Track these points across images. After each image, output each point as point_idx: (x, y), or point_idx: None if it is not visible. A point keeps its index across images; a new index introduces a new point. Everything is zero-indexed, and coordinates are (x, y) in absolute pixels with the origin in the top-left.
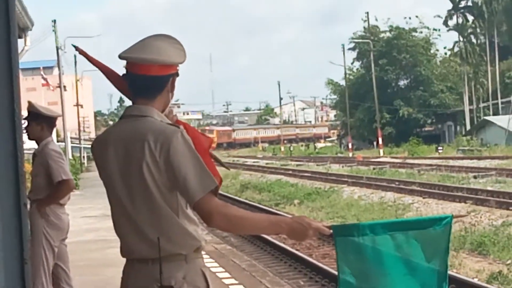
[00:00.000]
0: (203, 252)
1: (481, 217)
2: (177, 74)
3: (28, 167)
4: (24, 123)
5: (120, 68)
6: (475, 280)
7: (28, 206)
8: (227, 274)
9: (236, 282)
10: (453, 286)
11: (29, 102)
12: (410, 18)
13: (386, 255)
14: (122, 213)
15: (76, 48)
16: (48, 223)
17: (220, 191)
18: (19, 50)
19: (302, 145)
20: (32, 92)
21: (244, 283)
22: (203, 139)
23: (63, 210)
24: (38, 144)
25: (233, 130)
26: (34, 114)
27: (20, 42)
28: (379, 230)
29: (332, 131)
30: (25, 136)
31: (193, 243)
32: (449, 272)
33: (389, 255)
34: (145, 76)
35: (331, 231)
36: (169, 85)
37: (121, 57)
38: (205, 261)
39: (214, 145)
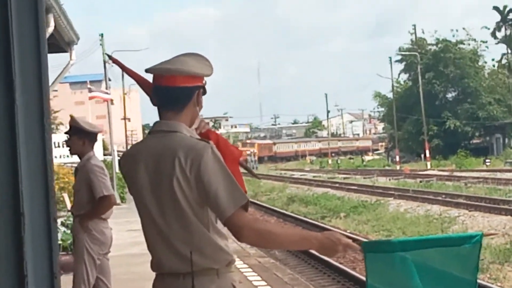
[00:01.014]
0: (245, 266)
1: None
2: (203, 89)
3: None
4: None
5: None
6: None
7: (72, 220)
8: None
9: None
10: None
11: (71, 117)
12: (457, 30)
13: (415, 271)
14: (153, 228)
15: (110, 58)
16: (90, 237)
17: (266, 204)
18: (65, 64)
19: (350, 158)
20: (80, 106)
21: None
22: (234, 150)
23: (106, 224)
24: (80, 158)
25: (274, 144)
26: (76, 128)
27: (66, 56)
28: (410, 247)
29: (380, 144)
30: (67, 150)
31: (225, 257)
32: (493, 286)
33: (419, 271)
34: (171, 88)
35: (359, 247)
36: (195, 98)
37: (147, 70)
38: (248, 274)
39: (255, 158)
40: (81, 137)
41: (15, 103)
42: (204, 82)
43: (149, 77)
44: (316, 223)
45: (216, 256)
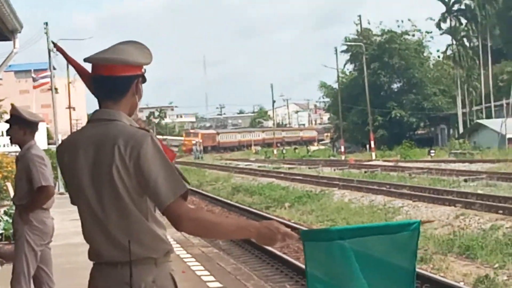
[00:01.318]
0: (188, 255)
1: (469, 221)
2: (143, 77)
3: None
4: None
5: None
6: (461, 284)
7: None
8: (212, 278)
9: (220, 285)
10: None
11: (12, 105)
12: (402, 21)
13: (354, 259)
14: (91, 217)
15: (55, 45)
16: (31, 228)
17: (211, 194)
18: (8, 53)
19: (295, 149)
20: (25, 95)
21: (228, 286)
22: (168, 153)
23: (47, 214)
24: (21, 148)
25: (218, 134)
26: (17, 117)
27: (9, 44)
28: (348, 235)
29: (325, 134)
30: (8, 139)
31: (163, 247)
32: (436, 276)
33: (358, 259)
34: (109, 77)
35: (297, 236)
36: (134, 87)
37: (85, 60)
38: (191, 264)
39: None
40: (21, 126)
41: None
42: (143, 70)
43: (89, 67)
44: (261, 213)
45: (154, 246)
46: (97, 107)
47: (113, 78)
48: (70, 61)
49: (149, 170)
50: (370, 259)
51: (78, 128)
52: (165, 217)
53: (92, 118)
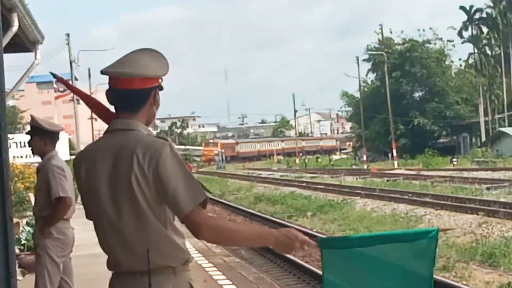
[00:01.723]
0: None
1: (492, 229)
2: (160, 88)
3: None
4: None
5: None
6: None
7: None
8: (233, 287)
9: None
10: None
11: (32, 116)
12: (424, 30)
13: (372, 267)
14: (109, 227)
15: (54, 76)
16: (52, 240)
17: (233, 204)
18: (30, 64)
19: (317, 158)
20: (47, 106)
21: None
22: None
23: (68, 224)
24: (42, 158)
25: (237, 143)
26: (37, 128)
27: (31, 56)
28: (366, 243)
29: (348, 143)
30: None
31: (182, 256)
32: (458, 284)
33: (375, 267)
34: (127, 90)
35: (315, 243)
36: (152, 98)
37: (102, 72)
38: (213, 273)
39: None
40: (42, 136)
41: None
42: (160, 81)
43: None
44: (283, 222)
45: (173, 254)
46: None
47: (130, 91)
48: (72, 89)
49: (168, 178)
50: (388, 267)
51: (99, 137)
52: (184, 226)
53: (109, 128)
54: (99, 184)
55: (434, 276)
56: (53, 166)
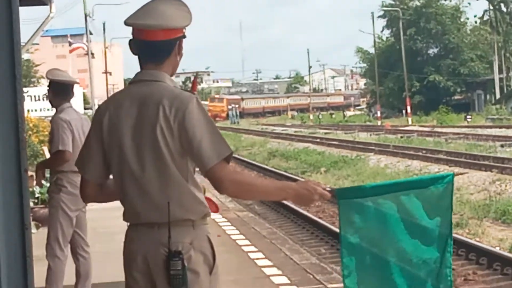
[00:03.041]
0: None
1: (506, 186)
2: (183, 36)
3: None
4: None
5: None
6: (497, 249)
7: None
8: (247, 242)
9: (256, 249)
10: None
11: (48, 71)
12: None
13: (389, 215)
14: (129, 176)
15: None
16: (65, 193)
17: (247, 159)
18: (45, 17)
19: (331, 114)
20: (62, 60)
21: (263, 250)
22: None
23: None
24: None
25: (242, 99)
26: (50, 81)
27: (45, 9)
28: (382, 191)
29: (362, 99)
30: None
31: (202, 209)
32: (472, 240)
33: (392, 215)
34: (152, 42)
35: (330, 194)
36: (177, 48)
37: (127, 23)
38: (226, 228)
39: (224, 114)
40: (54, 89)
41: None
42: (184, 31)
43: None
44: (297, 177)
45: (193, 208)
46: (134, 70)
47: (155, 42)
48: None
49: (194, 131)
50: (405, 215)
51: (124, 87)
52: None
53: (135, 79)
54: (122, 133)
55: None
56: (58, 118)
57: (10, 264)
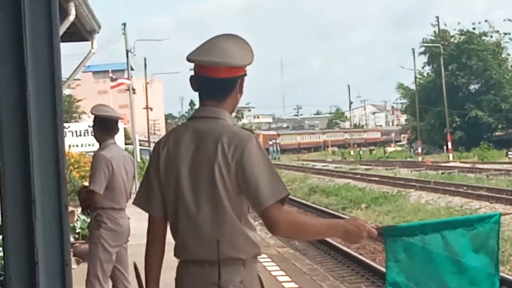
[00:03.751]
0: (264, 256)
1: None
2: (245, 75)
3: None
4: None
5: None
6: None
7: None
8: (287, 278)
9: (296, 286)
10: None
11: (93, 106)
12: (479, 22)
13: (435, 254)
14: (184, 212)
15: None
16: (106, 230)
17: None
18: (86, 53)
19: (371, 150)
20: (103, 95)
21: (304, 287)
22: None
23: (122, 214)
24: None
25: (278, 135)
26: (95, 116)
27: (87, 45)
28: (429, 230)
29: (402, 136)
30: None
31: (253, 250)
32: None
33: (439, 254)
34: (214, 79)
35: (377, 232)
36: (238, 87)
37: (189, 59)
38: (267, 264)
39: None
40: (96, 124)
41: (27, 89)
42: (246, 69)
43: (185, 67)
44: (337, 213)
45: (244, 247)
46: (176, 108)
47: (218, 80)
48: None
49: (251, 170)
50: (451, 254)
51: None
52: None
53: (195, 115)
54: (180, 168)
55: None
56: (100, 156)
57: None
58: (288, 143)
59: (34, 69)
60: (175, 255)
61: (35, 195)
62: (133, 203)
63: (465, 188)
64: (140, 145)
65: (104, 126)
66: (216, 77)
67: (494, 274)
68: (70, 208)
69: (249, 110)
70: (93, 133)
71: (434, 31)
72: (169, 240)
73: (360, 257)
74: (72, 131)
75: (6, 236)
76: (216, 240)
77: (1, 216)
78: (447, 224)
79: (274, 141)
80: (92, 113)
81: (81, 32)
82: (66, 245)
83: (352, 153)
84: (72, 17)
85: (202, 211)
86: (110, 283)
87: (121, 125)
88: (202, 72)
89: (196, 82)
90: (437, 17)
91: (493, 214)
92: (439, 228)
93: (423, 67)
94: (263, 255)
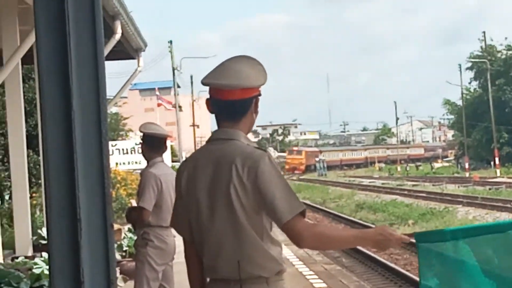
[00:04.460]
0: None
1: None
2: (259, 95)
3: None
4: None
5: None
6: None
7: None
8: None
9: None
10: None
11: (142, 124)
12: None
13: (467, 259)
14: (205, 233)
15: None
16: (152, 248)
17: (334, 211)
18: (133, 71)
19: (418, 166)
20: (150, 113)
21: None
22: None
23: (169, 232)
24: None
25: (320, 152)
26: (143, 134)
27: (134, 63)
28: (461, 235)
29: (450, 151)
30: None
31: (274, 267)
32: None
33: (470, 258)
34: (229, 101)
35: (411, 239)
36: (253, 107)
37: (204, 83)
38: (314, 281)
39: (302, 167)
40: (144, 142)
41: (72, 109)
42: (260, 89)
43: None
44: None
45: (265, 265)
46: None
47: (232, 102)
48: None
49: (266, 189)
50: (482, 259)
51: (202, 146)
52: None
53: (211, 138)
54: (198, 191)
55: None
56: (149, 173)
57: None
58: (331, 160)
59: (79, 88)
60: (205, 274)
61: (80, 214)
62: (170, 225)
63: None
64: None
65: (153, 144)
66: (231, 99)
67: None
68: (116, 226)
69: (296, 127)
70: (141, 151)
71: (481, 46)
72: None
73: (407, 273)
74: (119, 149)
75: (51, 254)
76: (237, 261)
77: (47, 235)
78: (478, 230)
79: (320, 158)
80: (141, 131)
81: (127, 50)
82: (111, 264)
83: (399, 169)
84: (118, 36)
85: (222, 233)
86: None
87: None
88: (217, 95)
89: (211, 105)
90: (484, 32)
91: None
92: (470, 233)
93: (469, 83)
94: (310, 272)
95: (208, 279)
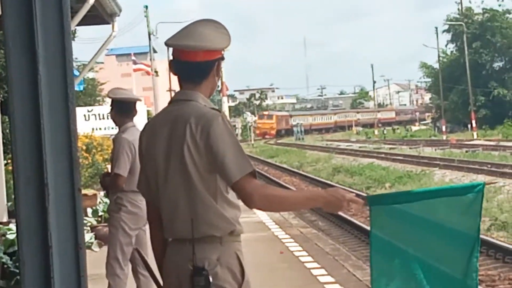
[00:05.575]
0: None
1: None
2: (222, 58)
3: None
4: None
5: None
6: None
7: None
8: (310, 258)
9: (318, 266)
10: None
11: (110, 90)
12: (503, 0)
13: (418, 221)
14: (162, 195)
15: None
16: (126, 213)
17: (312, 175)
18: (107, 36)
19: (394, 129)
20: (126, 78)
21: (326, 267)
22: None
23: (142, 197)
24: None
25: (291, 116)
26: (112, 100)
27: (108, 28)
28: (414, 198)
29: (427, 114)
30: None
31: (227, 226)
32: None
33: (422, 221)
34: (191, 63)
35: (363, 201)
36: (215, 70)
37: (167, 44)
38: (289, 245)
39: (273, 131)
40: (115, 107)
41: (38, 73)
42: (223, 52)
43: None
44: (361, 193)
45: (218, 224)
46: None
47: (194, 63)
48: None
49: (217, 148)
50: (434, 221)
51: (163, 108)
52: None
53: (172, 99)
54: (156, 152)
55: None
56: (122, 139)
57: (64, 284)
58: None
59: (45, 52)
60: (165, 234)
61: (47, 179)
62: (136, 187)
63: (489, 166)
64: None
65: (122, 109)
66: (193, 61)
67: (475, 238)
68: (92, 191)
69: (273, 91)
70: (111, 117)
71: (458, 9)
72: None
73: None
74: (95, 114)
75: (19, 220)
76: (190, 220)
77: (14, 201)
78: (432, 193)
79: (298, 121)
80: (109, 97)
81: (101, 15)
82: (79, 228)
83: (376, 132)
84: (92, 0)
85: (177, 192)
86: (130, 265)
87: (144, 107)
88: (180, 56)
89: (174, 66)
90: None
91: (477, 183)
92: (423, 196)
93: (446, 45)
94: (285, 236)
95: (168, 240)
